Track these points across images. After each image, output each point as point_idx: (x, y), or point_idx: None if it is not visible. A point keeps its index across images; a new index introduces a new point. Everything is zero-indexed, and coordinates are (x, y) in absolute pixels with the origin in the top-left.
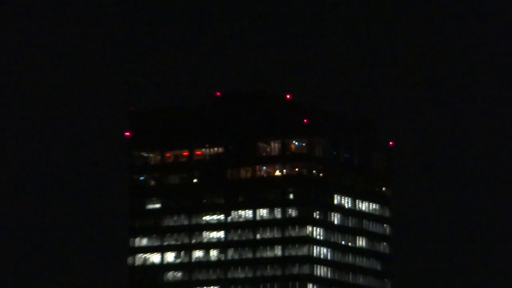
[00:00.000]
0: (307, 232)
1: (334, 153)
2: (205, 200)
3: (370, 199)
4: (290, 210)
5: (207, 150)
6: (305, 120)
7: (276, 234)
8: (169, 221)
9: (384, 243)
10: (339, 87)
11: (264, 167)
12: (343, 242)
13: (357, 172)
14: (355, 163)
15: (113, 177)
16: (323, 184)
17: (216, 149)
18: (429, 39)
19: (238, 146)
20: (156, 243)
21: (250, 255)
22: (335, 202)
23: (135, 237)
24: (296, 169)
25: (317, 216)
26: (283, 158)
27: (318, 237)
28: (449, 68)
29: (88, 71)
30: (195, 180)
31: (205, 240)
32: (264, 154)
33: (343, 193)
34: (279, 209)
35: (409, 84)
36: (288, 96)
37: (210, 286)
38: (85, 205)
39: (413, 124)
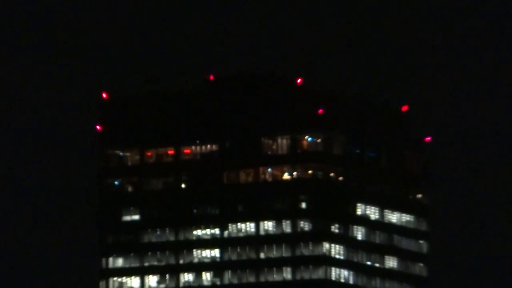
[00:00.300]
0: (324, 250)
1: (357, 151)
2: (195, 211)
3: (402, 209)
4: (302, 222)
5: (198, 148)
6: (320, 110)
7: (285, 252)
8: (151, 237)
9: (420, 264)
10: (363, 69)
11: (269, 169)
12: (368, 263)
13: (385, 175)
14: (383, 163)
15: (80, 182)
16: (343, 191)
17: (209, 146)
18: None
19: (237, 142)
20: (135, 264)
21: (252, 279)
22: (359, 212)
23: (108, 256)
24: (309, 172)
25: (336, 230)
26: (293, 158)
27: (337, 256)
28: (500, 48)
29: (49, 48)
30: (183, 186)
31: (196, 260)
32: (269, 153)
33: (368, 202)
34: (288, 222)
35: (450, 67)
36: (299, 81)
37: None
38: (45, 217)
39: (456, 115)
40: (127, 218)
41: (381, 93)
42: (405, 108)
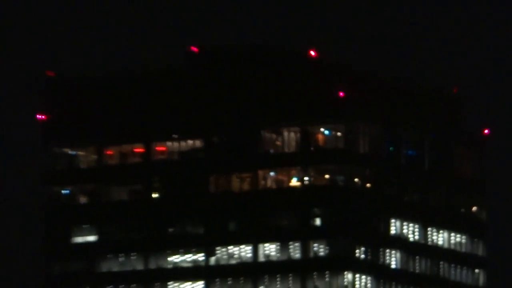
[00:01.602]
0: (345, 282)
1: (391, 148)
2: (172, 229)
3: (451, 227)
4: (316, 245)
5: (176, 144)
6: (341, 93)
7: (293, 285)
8: (112, 265)
9: None
10: (401, 41)
11: (271, 173)
12: None
13: (429, 181)
14: (426, 165)
15: (17, 190)
16: (372, 202)
17: (190, 142)
18: None
19: (228, 137)
20: None
21: None
22: (393, 231)
23: None
24: (326, 177)
25: (362, 256)
26: (304, 158)
27: None
28: None
29: None
30: (155, 195)
31: None
32: (271, 151)
33: (406, 217)
34: (297, 244)
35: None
36: (312, 53)
37: None
38: None
39: None
40: (80, 239)
41: (422, 72)
42: (455, 90)
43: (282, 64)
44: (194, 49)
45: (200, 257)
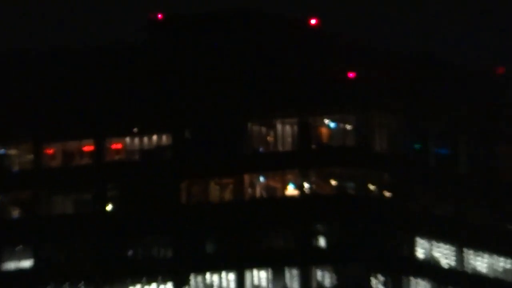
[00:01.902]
0: None
1: (417, 146)
2: (131, 252)
3: (495, 249)
4: (319, 272)
5: (136, 140)
6: (351, 74)
7: None
8: None
9: None
10: (428, 8)
11: (261, 178)
12: None
13: (467, 188)
14: (462, 168)
15: None
16: (393, 216)
17: (155, 138)
18: None
19: (204, 131)
20: None
21: None
22: (420, 254)
23: None
24: (332, 182)
25: (380, 286)
26: (304, 158)
27: None
28: None
29: None
30: (109, 207)
31: None
32: (261, 150)
33: (436, 236)
34: (294, 271)
35: None
36: (313, 22)
37: None
38: None
39: None
40: (11, 264)
41: (457, 47)
42: (500, 71)
43: (273, 36)
44: (158, 16)
45: (169, 287)
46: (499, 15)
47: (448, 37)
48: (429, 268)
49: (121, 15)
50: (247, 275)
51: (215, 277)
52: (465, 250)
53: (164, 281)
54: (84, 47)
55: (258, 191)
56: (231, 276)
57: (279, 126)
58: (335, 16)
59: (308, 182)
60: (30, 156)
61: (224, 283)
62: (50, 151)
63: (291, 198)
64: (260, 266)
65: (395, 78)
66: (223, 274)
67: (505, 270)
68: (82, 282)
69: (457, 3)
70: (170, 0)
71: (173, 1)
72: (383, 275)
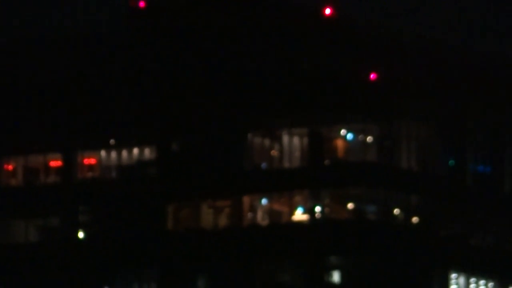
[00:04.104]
0: None
1: (452, 162)
2: (107, 287)
3: None
4: None
5: (113, 154)
6: (372, 74)
7: None
8: None
9: None
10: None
11: (263, 200)
12: None
13: (510, 212)
14: (508, 188)
15: None
16: (421, 245)
17: (136, 152)
18: None
19: (196, 144)
20: None
21: None
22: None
23: None
24: (349, 205)
25: None
26: (315, 176)
27: None
28: None
29: None
30: (80, 234)
31: None
32: (263, 166)
33: (474, 270)
34: None
35: None
36: (328, 11)
37: None
38: None
39: None
40: None
41: (500, 41)
42: None
43: (280, 27)
44: (141, 3)
45: None
46: None
47: (490, 29)
48: None
49: (96, 2)
50: None
51: None
52: (509, 287)
53: None
54: (50, 38)
55: (260, 216)
56: None
57: (285, 138)
58: (352, 3)
59: (321, 205)
60: None
61: None
62: (9, 167)
63: (300, 224)
64: None
65: (426, 79)
66: None
67: None
68: None
69: None
70: None
71: None
72: None
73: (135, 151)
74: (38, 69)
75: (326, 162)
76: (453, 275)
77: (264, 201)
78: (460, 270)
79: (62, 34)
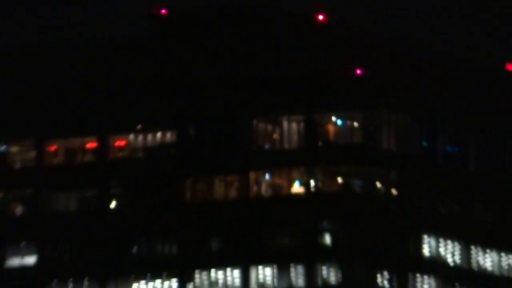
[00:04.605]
0: None
1: (425, 143)
2: (136, 248)
3: (503, 246)
4: (324, 269)
5: (140, 137)
6: (358, 71)
7: None
8: None
9: None
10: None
11: (266, 176)
12: None
13: (475, 187)
14: (472, 166)
15: None
16: (399, 214)
17: (159, 135)
18: None
19: (208, 128)
20: None
21: None
22: (426, 252)
23: None
24: (339, 180)
25: (385, 283)
26: (310, 156)
27: None
28: None
29: None
30: (113, 205)
31: None
32: (266, 147)
33: (443, 233)
34: (300, 268)
35: None
36: (320, 17)
37: None
38: None
39: None
40: (15, 261)
41: (467, 43)
42: (510, 68)
43: (279, 32)
44: (162, 11)
45: (174, 283)
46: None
47: (458, 32)
48: (435, 265)
49: (123, 10)
50: (252, 272)
51: (220, 274)
52: (471, 247)
53: (169, 278)
54: (85, 42)
55: (264, 189)
56: (236, 273)
57: (285, 123)
58: (341, 10)
59: (314, 179)
60: (32, 153)
61: (229, 280)
62: (52, 148)
63: (297, 195)
64: (265, 263)
65: (403, 74)
66: (228, 271)
67: (511, 267)
68: (86, 279)
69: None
70: None
71: None
72: (388, 272)
73: (158, 134)
74: (77, 67)
75: (319, 143)
76: (425, 237)
77: (267, 176)
78: (430, 233)
79: (94, 36)
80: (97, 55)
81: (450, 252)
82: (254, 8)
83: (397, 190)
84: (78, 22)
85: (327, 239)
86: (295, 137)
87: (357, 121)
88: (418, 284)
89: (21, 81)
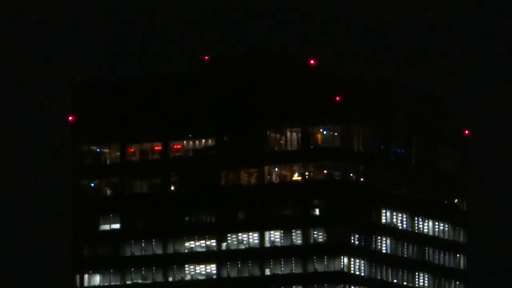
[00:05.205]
0: (341, 265)
1: (382, 146)
2: (187, 218)
3: (436, 216)
4: (315, 232)
5: (191, 142)
6: (338, 98)
7: (295, 268)
8: (134, 249)
9: (457, 282)
10: (389, 48)
11: (276, 169)
12: (395, 281)
13: (416, 175)
14: (414, 161)
15: (49, 184)
16: (366, 194)
17: (204, 141)
18: None
19: (237, 136)
20: (115, 281)
21: None
22: (384, 220)
23: (83, 272)
24: (325, 172)
25: (356, 242)
26: (305, 155)
27: (358, 272)
28: None
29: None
30: (172, 188)
31: (188, 278)
32: (276, 149)
33: (395, 207)
34: (298, 232)
35: (494, 44)
36: (312, 61)
37: None
38: (7, 227)
39: (500, 104)
40: (106, 227)
41: (410, 77)
42: (439, 93)
43: (285, 71)
44: (206, 57)
45: (213, 243)
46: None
47: (408, 68)
48: (390, 230)
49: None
50: (266, 234)
51: (244, 236)
52: (415, 217)
53: (209, 239)
54: (155, 77)
55: (274, 177)
56: (255, 236)
57: (288, 133)
58: (330, 51)
59: (308, 171)
60: (118, 153)
61: (251, 240)
62: (131, 149)
63: (296, 182)
64: (275, 228)
65: (368, 100)
66: (250, 233)
67: (441, 231)
68: (153, 240)
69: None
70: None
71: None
72: (358, 234)
73: (203, 140)
74: (148, 97)
75: (311, 147)
76: (383, 210)
77: (276, 169)
78: (387, 208)
79: (159, 74)
80: (163, 87)
81: (400, 221)
82: (267, 55)
83: (364, 178)
84: (143, 62)
85: (317, 211)
86: (295, 143)
87: (337, 132)
88: (379, 243)
89: (111, 105)
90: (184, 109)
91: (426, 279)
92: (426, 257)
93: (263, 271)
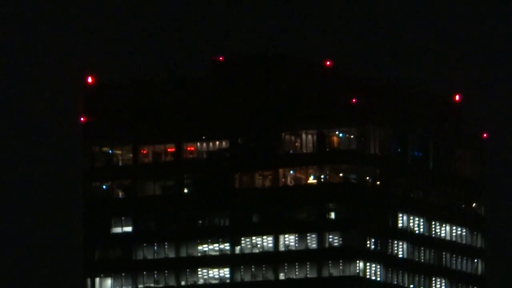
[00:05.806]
0: (357, 270)
1: (399, 150)
2: (201, 221)
3: (453, 221)
4: (331, 236)
5: (204, 144)
6: (354, 100)
7: (310, 273)
8: (146, 253)
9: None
10: (408, 52)
11: (291, 172)
12: (411, 286)
13: (433, 179)
14: (431, 165)
15: (61, 185)
16: (382, 198)
17: (217, 143)
18: None
19: (252, 139)
20: (127, 285)
21: None
22: (400, 224)
23: (95, 276)
24: (340, 175)
25: (372, 246)
26: (321, 158)
27: (373, 277)
28: None
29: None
30: (185, 191)
31: (201, 281)
32: (291, 152)
33: (412, 211)
34: (314, 235)
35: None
36: (328, 63)
37: None
38: (19, 229)
39: None
40: (118, 229)
41: (427, 80)
42: (457, 97)
43: (301, 73)
44: (220, 58)
45: (226, 246)
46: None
47: (426, 70)
48: (407, 234)
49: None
50: (280, 238)
51: (258, 239)
52: (432, 221)
53: (223, 242)
54: (168, 79)
55: (289, 180)
56: (270, 239)
57: (303, 136)
58: (346, 53)
59: (324, 174)
60: (131, 155)
61: (265, 244)
62: (144, 151)
63: (312, 185)
64: (289, 232)
65: (384, 103)
66: (264, 237)
67: (459, 235)
68: (166, 243)
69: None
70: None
71: (231, 45)
72: (374, 238)
73: (217, 143)
74: (160, 99)
75: (327, 149)
76: (400, 214)
77: (291, 171)
78: (404, 212)
79: (172, 76)
80: (176, 88)
81: (417, 225)
82: (282, 57)
83: (380, 181)
84: (155, 64)
85: (332, 215)
86: (310, 145)
87: (353, 134)
88: (395, 247)
89: (123, 106)
90: (197, 110)
91: (443, 284)
92: (443, 262)
93: (277, 275)
